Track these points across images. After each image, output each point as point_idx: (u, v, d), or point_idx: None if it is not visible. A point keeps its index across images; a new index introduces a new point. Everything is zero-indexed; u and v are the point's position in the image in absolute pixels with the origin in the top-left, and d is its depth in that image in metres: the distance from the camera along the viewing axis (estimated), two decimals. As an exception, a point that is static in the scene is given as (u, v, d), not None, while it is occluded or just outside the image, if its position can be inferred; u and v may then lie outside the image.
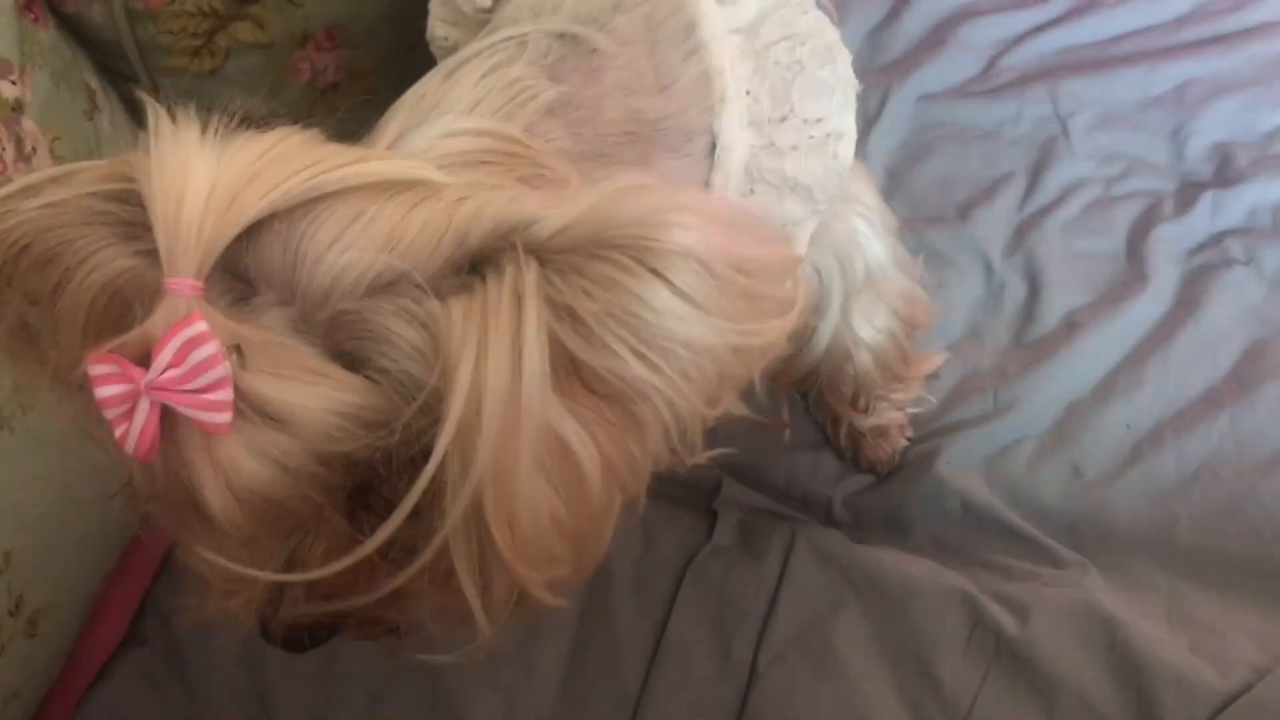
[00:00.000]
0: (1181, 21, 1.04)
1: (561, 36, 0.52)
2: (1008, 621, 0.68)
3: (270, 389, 0.34)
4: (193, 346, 0.33)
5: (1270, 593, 0.71)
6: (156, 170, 0.36)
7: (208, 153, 0.36)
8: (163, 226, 0.35)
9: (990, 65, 1.03)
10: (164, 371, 0.33)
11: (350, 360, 0.36)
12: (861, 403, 0.76)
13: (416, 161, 0.40)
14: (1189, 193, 0.91)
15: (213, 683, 0.69)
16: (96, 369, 0.34)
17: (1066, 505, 0.76)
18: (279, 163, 0.37)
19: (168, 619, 0.72)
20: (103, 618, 0.73)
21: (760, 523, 0.76)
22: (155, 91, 0.74)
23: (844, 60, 0.56)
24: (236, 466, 0.35)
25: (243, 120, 0.39)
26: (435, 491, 0.35)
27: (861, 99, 0.57)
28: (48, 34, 0.69)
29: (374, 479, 0.38)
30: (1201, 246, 0.88)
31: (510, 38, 0.52)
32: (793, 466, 0.80)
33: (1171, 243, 0.88)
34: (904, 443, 0.79)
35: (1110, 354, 0.82)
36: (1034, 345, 0.83)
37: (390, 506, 0.36)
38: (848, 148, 0.56)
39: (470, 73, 0.50)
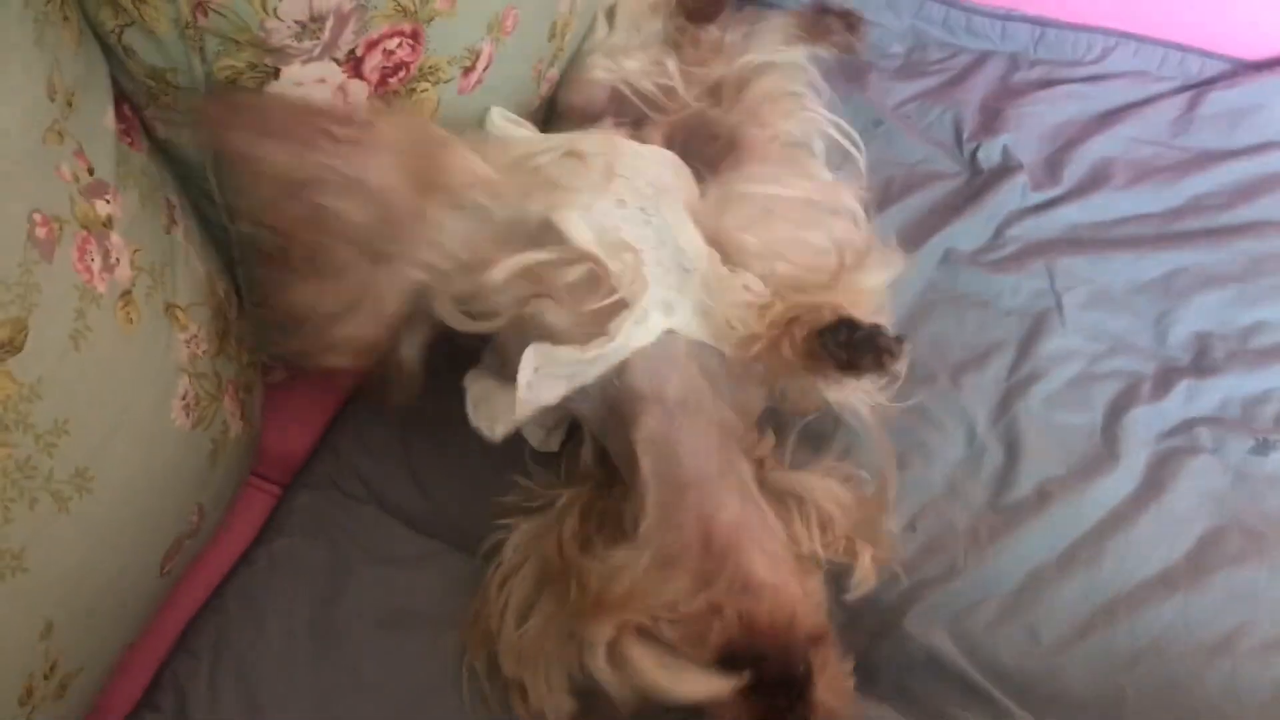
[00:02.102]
0: (1176, 212, 1.11)
1: None
2: (958, 771, 0.74)
3: None
4: None
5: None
6: None
7: None
8: None
9: (998, 234, 1.10)
10: None
11: None
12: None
13: None
14: (1167, 378, 0.97)
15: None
16: None
17: (1022, 667, 0.81)
18: None
19: (180, 689, 0.78)
20: (121, 684, 0.79)
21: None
22: (228, 208, 0.82)
23: None
24: None
25: None
26: None
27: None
28: (139, 156, 0.77)
29: None
30: (1173, 431, 0.94)
31: None
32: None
33: (1145, 425, 0.94)
34: None
35: (1076, 527, 0.87)
36: (1006, 510, 0.89)
37: None
38: None
39: None
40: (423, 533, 0.86)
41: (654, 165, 0.90)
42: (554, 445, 0.86)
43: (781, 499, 0.79)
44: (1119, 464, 0.91)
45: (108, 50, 0.73)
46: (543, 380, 0.75)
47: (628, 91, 1.02)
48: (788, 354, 0.74)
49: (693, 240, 0.81)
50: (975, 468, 0.92)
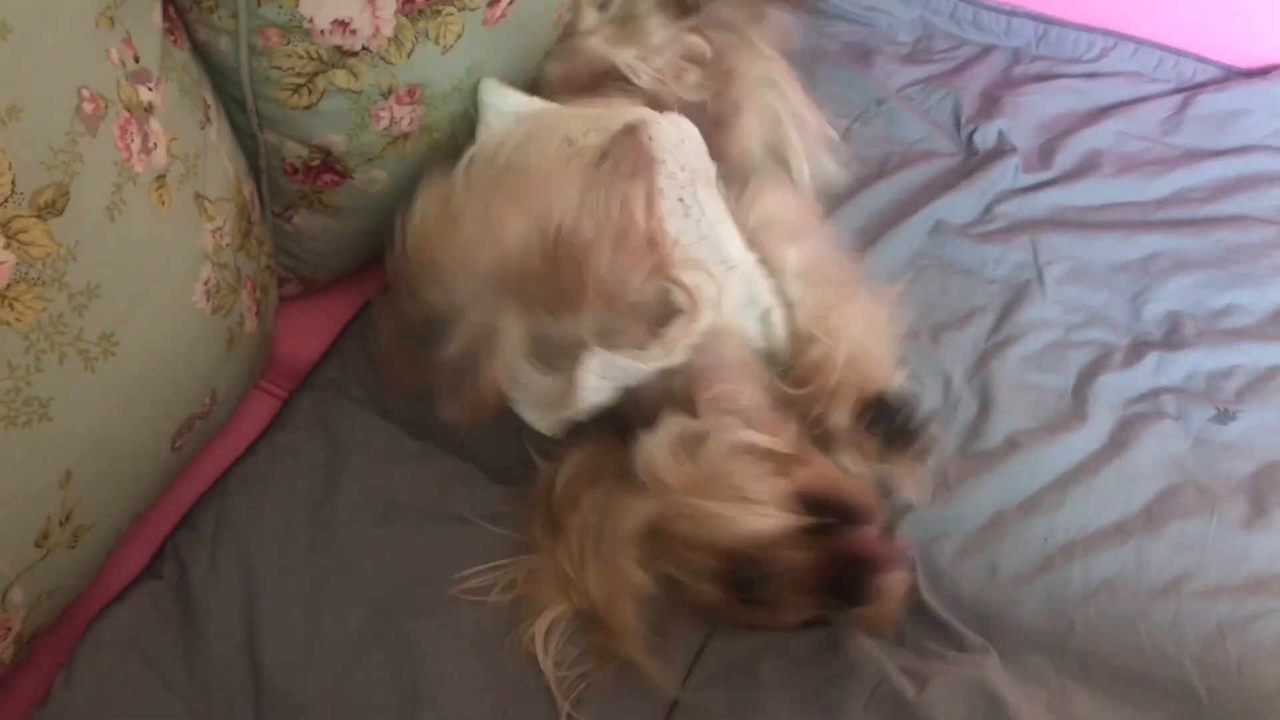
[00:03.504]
0: (1160, 202, 1.16)
1: None
2: (908, 688, 0.77)
3: None
4: None
5: (1145, 703, 0.80)
6: None
7: None
8: None
9: (987, 210, 1.15)
10: None
11: None
12: None
13: None
14: (1138, 350, 1.01)
15: (211, 620, 0.79)
16: None
17: (979, 598, 0.85)
18: None
19: (182, 560, 0.82)
20: (128, 549, 0.84)
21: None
22: (258, 116, 0.87)
23: None
24: None
25: None
26: None
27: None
28: (181, 54, 0.82)
29: None
30: (1140, 398, 0.98)
31: None
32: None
33: (1113, 390, 0.98)
34: None
35: (1041, 475, 0.91)
36: (976, 457, 0.93)
37: None
38: None
39: None
40: (416, 436, 0.90)
41: (685, 144, 0.93)
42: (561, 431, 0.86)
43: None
44: (1086, 423, 0.95)
45: (158, -48, 0.78)
46: (600, 383, 0.80)
47: (624, 71, 1.03)
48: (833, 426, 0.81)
49: (733, 237, 0.86)
50: (949, 418, 0.96)
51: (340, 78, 0.87)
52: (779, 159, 1.06)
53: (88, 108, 0.69)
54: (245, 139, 0.91)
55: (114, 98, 0.72)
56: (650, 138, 0.86)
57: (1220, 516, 0.89)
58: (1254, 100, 1.26)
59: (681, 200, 0.86)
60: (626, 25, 1.06)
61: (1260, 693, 0.79)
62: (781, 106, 1.06)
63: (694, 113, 1.00)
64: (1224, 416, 0.97)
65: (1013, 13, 1.37)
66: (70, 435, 0.71)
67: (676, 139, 0.92)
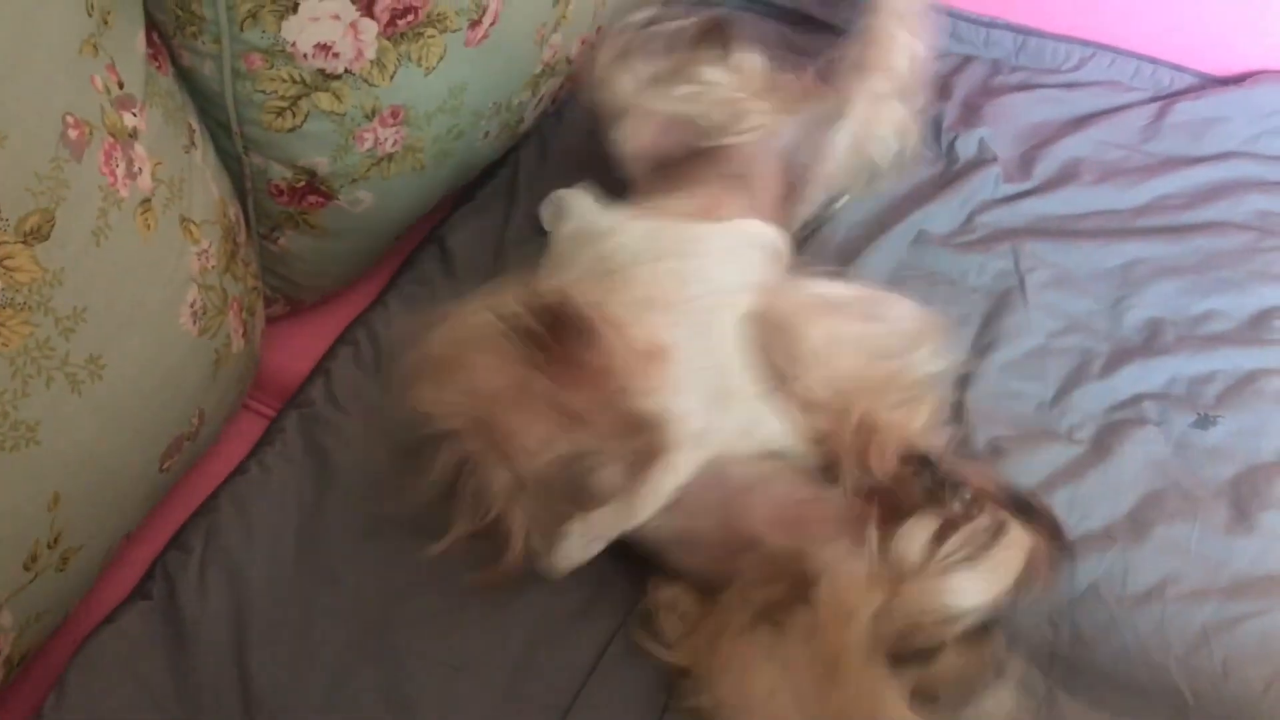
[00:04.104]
0: (1139, 210, 1.17)
1: None
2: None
3: None
4: None
5: (1132, 707, 0.81)
6: None
7: None
8: None
9: (969, 220, 1.16)
10: None
11: None
12: None
13: None
14: (1118, 357, 1.02)
15: (201, 640, 0.79)
16: None
17: (965, 605, 0.86)
18: None
19: (172, 580, 0.82)
20: (118, 570, 0.84)
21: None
22: (242, 138, 0.88)
23: None
24: None
25: None
26: None
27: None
28: (166, 80, 0.83)
29: None
30: (1122, 404, 0.99)
31: None
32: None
33: (1095, 397, 0.99)
34: None
35: (1025, 482, 0.91)
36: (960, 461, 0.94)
37: None
38: None
39: None
40: (403, 452, 0.90)
41: (726, 260, 0.91)
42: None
43: None
44: (1068, 430, 0.96)
45: (141, -23, 0.79)
46: (590, 543, 0.80)
47: (688, 112, 1.01)
48: (875, 470, 0.78)
49: (741, 368, 0.84)
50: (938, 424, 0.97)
51: (324, 100, 0.88)
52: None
53: (72, 134, 0.70)
54: (230, 162, 0.91)
55: (98, 123, 0.73)
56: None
57: (1203, 521, 0.90)
58: (1230, 108, 1.27)
59: (702, 324, 0.85)
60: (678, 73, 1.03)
61: (1246, 694, 0.80)
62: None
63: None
64: (1205, 422, 0.98)
65: (992, 24, 1.38)
66: (58, 458, 0.72)
67: (706, 264, 0.90)
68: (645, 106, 1.01)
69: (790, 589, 0.74)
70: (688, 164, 1.01)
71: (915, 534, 0.72)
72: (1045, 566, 0.77)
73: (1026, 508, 0.77)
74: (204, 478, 0.91)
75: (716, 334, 0.85)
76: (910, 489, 0.76)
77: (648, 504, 0.78)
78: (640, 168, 1.03)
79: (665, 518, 0.79)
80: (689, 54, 1.03)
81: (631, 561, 0.83)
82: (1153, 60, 1.34)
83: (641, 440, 0.77)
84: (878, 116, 1.07)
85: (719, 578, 0.78)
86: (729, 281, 0.89)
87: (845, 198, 1.14)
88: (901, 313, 0.91)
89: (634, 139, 1.02)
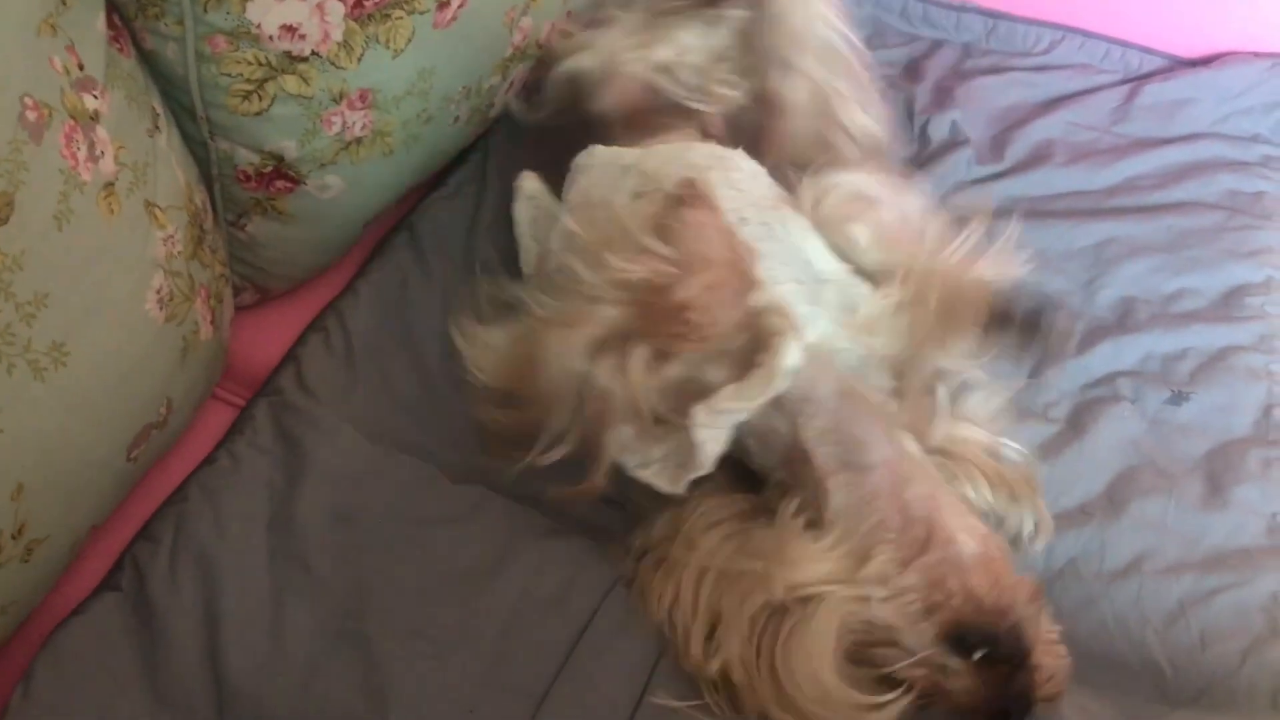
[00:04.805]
0: (1111, 190, 1.18)
1: None
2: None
3: None
4: None
5: (1111, 681, 0.81)
6: None
7: None
8: None
9: (941, 202, 1.16)
10: None
11: None
12: None
13: None
14: (1092, 335, 1.03)
15: (172, 631, 0.78)
16: None
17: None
18: None
19: (141, 571, 0.81)
20: (86, 561, 0.83)
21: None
22: (208, 123, 0.87)
23: None
24: None
25: None
26: None
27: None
28: (128, 62, 0.81)
29: None
30: (1096, 382, 1.00)
31: None
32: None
33: (1069, 377, 1.00)
34: None
35: (1003, 460, 0.93)
36: (938, 443, 0.94)
37: None
38: None
39: None
40: (375, 440, 0.89)
41: (753, 178, 0.92)
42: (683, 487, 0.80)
43: (941, 462, 0.83)
44: (1044, 409, 0.97)
45: (101, -40, 0.78)
46: (712, 434, 0.76)
47: (665, 82, 1.00)
48: (934, 307, 0.81)
49: (819, 252, 0.85)
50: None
51: (290, 83, 0.87)
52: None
53: (31, 115, 0.69)
54: (196, 147, 0.90)
55: (58, 105, 0.71)
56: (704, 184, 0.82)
57: (1177, 498, 0.90)
58: (1199, 89, 1.29)
59: (766, 224, 0.85)
60: (653, 29, 1.03)
61: (1223, 665, 0.81)
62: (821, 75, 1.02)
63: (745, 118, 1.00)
64: (1178, 398, 0.98)
65: (962, 8, 1.38)
66: (21, 447, 0.70)
67: (740, 176, 0.90)
68: (624, 71, 1.00)
69: None
70: (667, 115, 1.00)
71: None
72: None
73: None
74: (174, 468, 0.90)
75: (782, 229, 0.85)
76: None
77: (773, 381, 0.75)
78: (619, 126, 1.01)
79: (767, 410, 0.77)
80: (671, 7, 1.02)
81: (609, 541, 0.82)
82: (1122, 43, 1.34)
83: (751, 336, 0.76)
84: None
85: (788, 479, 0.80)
86: (761, 188, 0.89)
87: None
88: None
89: (613, 97, 1.01)
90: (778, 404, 0.78)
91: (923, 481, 0.78)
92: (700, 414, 0.75)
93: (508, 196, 1.04)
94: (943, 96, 1.27)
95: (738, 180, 0.89)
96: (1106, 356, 1.02)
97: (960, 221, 0.90)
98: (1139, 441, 0.95)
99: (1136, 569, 0.86)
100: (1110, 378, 1.00)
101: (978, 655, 0.71)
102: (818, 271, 0.85)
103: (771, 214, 0.87)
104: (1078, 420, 0.96)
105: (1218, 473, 0.92)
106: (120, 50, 0.81)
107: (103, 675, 0.76)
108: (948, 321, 0.83)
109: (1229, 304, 1.06)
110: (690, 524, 0.80)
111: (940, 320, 0.83)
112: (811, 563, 0.74)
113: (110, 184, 0.76)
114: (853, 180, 0.91)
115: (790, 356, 0.75)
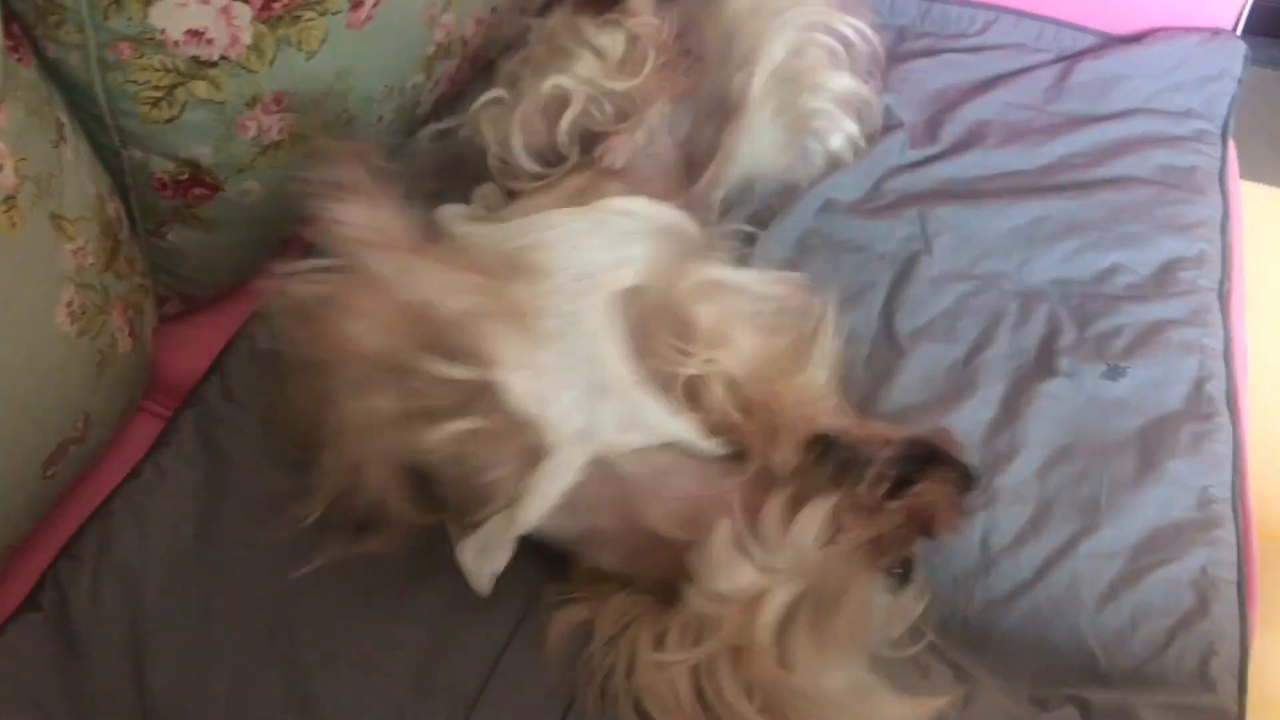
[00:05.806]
0: (1045, 169, 1.17)
1: None
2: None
3: None
4: None
5: (1044, 669, 0.81)
6: None
7: None
8: None
9: (876, 187, 1.16)
10: None
11: None
12: None
13: None
14: (1027, 314, 1.02)
15: (94, 650, 0.77)
16: None
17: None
18: None
19: (63, 590, 0.80)
20: (6, 584, 0.81)
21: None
22: (119, 132, 0.85)
23: None
24: None
25: None
26: None
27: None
28: (28, 72, 0.79)
29: None
30: (1033, 360, 0.99)
31: None
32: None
33: (1004, 359, 0.99)
34: None
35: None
36: (871, 429, 0.94)
37: None
38: None
39: None
40: (301, 447, 0.88)
41: (586, 242, 0.86)
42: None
43: None
44: (979, 390, 0.96)
45: (-3, -33, 0.76)
46: (487, 555, 0.76)
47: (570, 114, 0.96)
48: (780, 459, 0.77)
49: (614, 356, 0.80)
50: (843, 391, 0.96)
51: (201, 89, 0.85)
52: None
53: (-78, 130, 0.67)
54: (109, 156, 0.88)
55: (-47, 119, 0.70)
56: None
57: (1111, 477, 0.90)
58: (1132, 66, 1.28)
59: (573, 313, 0.81)
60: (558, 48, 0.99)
61: (1152, 645, 0.81)
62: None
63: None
64: (1115, 372, 0.98)
65: (897, -9, 1.38)
66: (-74, 468, 0.69)
67: (587, 234, 0.86)
68: (522, 110, 0.97)
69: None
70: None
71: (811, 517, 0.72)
72: (954, 513, 0.77)
73: (931, 456, 0.77)
74: (98, 482, 0.88)
75: (585, 322, 0.80)
76: (817, 473, 0.76)
77: (536, 508, 0.74)
78: (528, 169, 0.97)
79: (564, 518, 0.76)
80: (565, 31, 0.99)
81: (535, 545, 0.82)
82: (1056, 22, 1.34)
83: (525, 441, 0.74)
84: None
85: (636, 574, 0.77)
86: (594, 261, 0.84)
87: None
88: (792, 289, 0.90)
89: (517, 137, 0.97)
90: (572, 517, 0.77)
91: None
92: (469, 544, 0.76)
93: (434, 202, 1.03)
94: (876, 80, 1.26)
95: (554, 259, 0.83)
96: (1042, 334, 1.01)
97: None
98: (1074, 420, 0.94)
99: (1071, 551, 0.86)
100: (1046, 355, 1.00)
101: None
102: (602, 378, 0.79)
103: (574, 303, 0.81)
104: (1013, 400, 0.95)
105: (1150, 447, 0.92)
106: (20, 60, 0.79)
107: (23, 700, 0.75)
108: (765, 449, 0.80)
109: (1162, 279, 1.06)
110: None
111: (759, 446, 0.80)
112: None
113: (11, 197, 0.74)
114: (720, 273, 0.88)
115: (551, 486, 0.74)
